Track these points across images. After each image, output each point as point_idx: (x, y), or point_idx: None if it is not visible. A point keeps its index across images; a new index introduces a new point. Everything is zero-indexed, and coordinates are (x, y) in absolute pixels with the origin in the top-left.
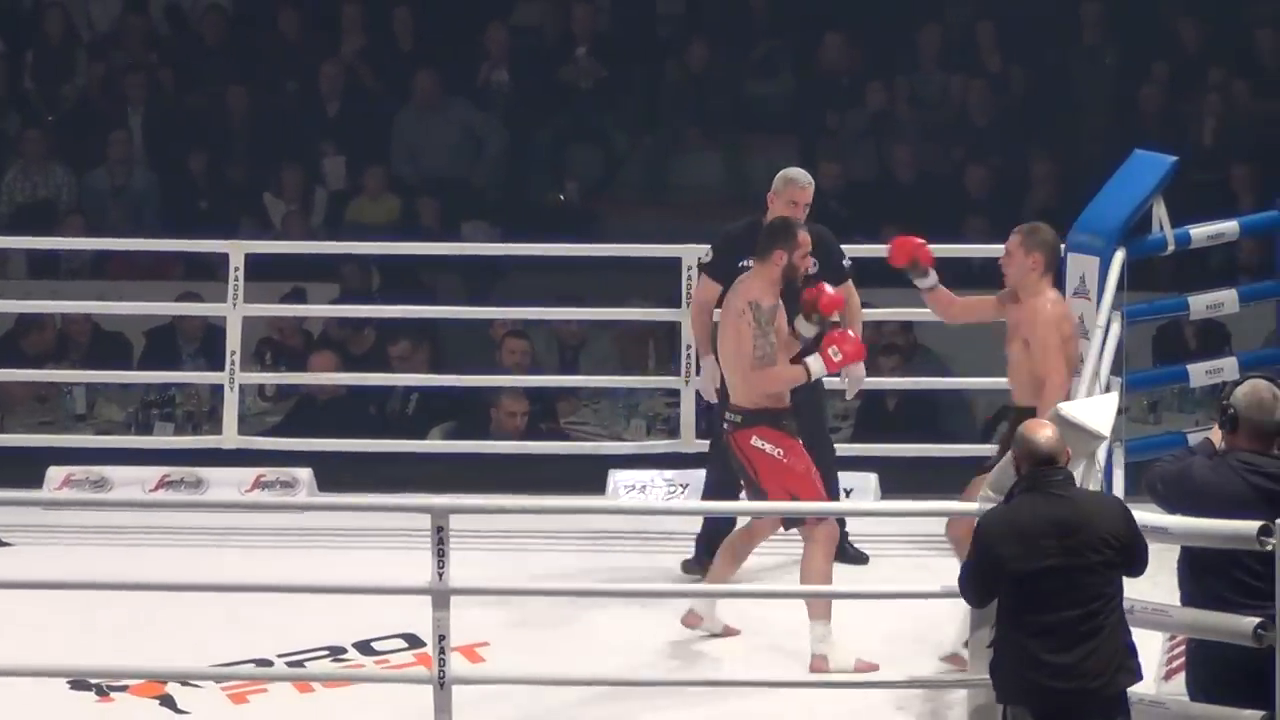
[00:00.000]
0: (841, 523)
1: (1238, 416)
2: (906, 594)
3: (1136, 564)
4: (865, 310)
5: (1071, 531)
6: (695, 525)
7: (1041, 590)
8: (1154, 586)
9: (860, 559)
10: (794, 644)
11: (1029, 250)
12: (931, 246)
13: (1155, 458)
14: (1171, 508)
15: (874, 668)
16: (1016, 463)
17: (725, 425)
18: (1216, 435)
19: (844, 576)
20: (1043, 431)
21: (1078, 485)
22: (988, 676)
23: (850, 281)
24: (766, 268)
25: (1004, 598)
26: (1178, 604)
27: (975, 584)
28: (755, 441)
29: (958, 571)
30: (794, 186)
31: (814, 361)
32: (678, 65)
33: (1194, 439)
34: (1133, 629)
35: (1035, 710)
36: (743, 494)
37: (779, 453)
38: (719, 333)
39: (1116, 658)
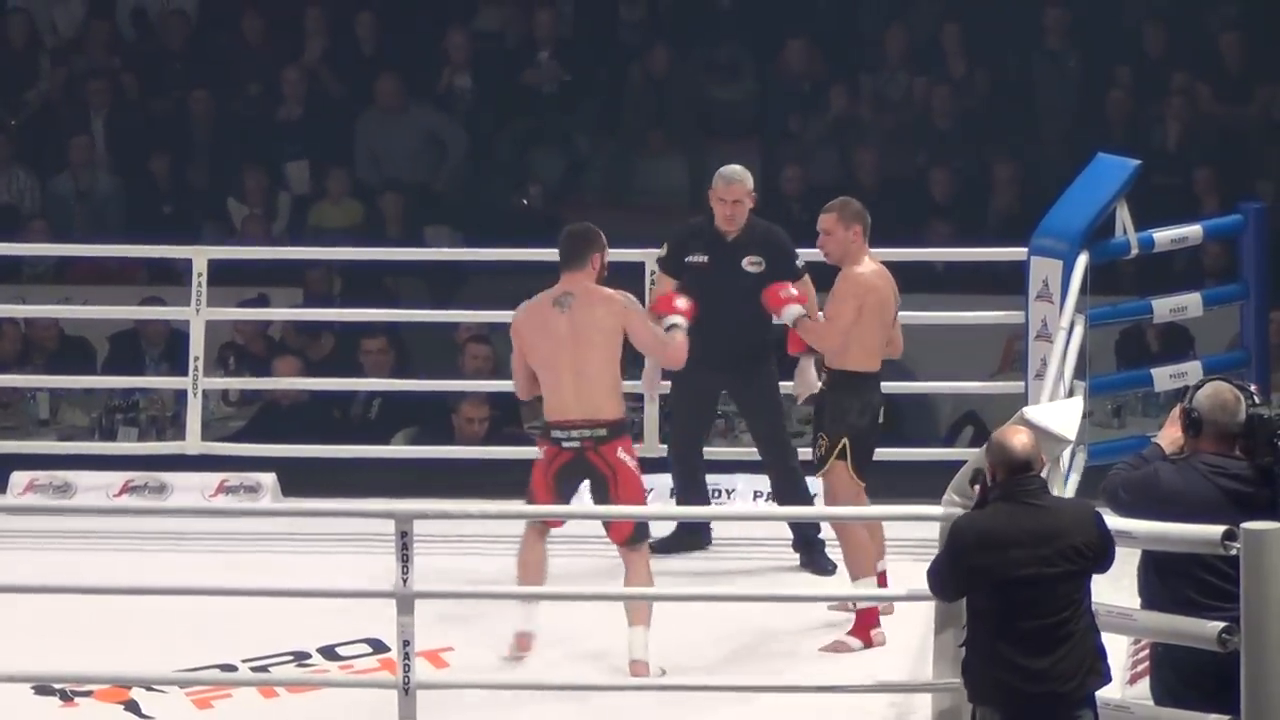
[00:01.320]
0: (817, 529)
1: (1201, 420)
2: (868, 597)
3: (1106, 564)
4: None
5: (1046, 542)
6: (658, 529)
7: (1015, 598)
8: (1118, 590)
9: (829, 569)
10: (762, 650)
11: (848, 224)
12: (895, 251)
13: (1114, 462)
14: (1136, 514)
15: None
16: (991, 469)
17: (579, 442)
18: (1165, 439)
19: (809, 582)
20: (1018, 438)
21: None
22: (953, 680)
23: (806, 276)
24: (587, 273)
25: (977, 601)
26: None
27: (947, 586)
28: (621, 454)
29: (930, 568)
30: (721, 181)
31: (675, 328)
32: (640, 69)
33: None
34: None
35: (1005, 711)
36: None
37: (636, 466)
38: (578, 348)
39: (1087, 660)
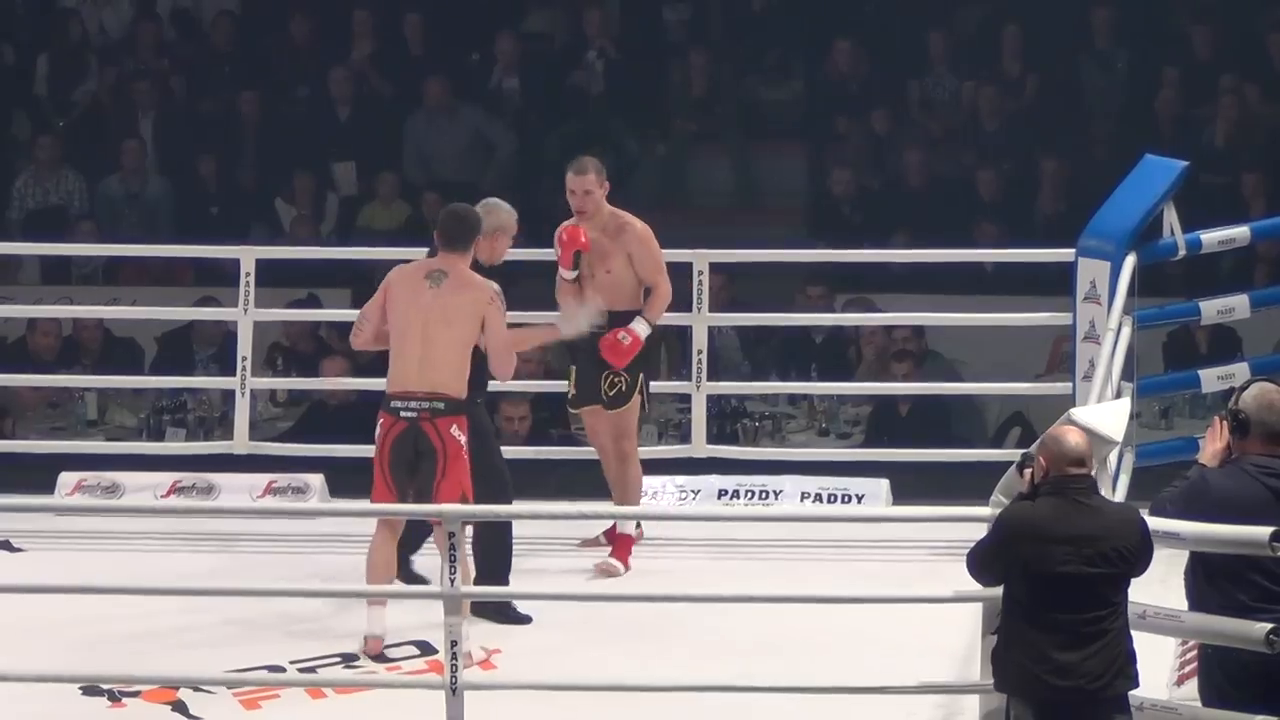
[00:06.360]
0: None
1: (1249, 420)
2: (917, 599)
3: (1141, 569)
4: (878, 315)
5: (1090, 542)
6: (707, 531)
7: (1053, 591)
8: (1167, 591)
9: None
10: (778, 648)
11: (602, 181)
12: (943, 251)
13: (1167, 463)
14: (1190, 520)
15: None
16: (1045, 465)
17: (416, 413)
18: (1208, 455)
19: (855, 581)
20: (1072, 435)
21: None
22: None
23: None
24: (465, 256)
25: (1015, 590)
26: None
27: (986, 571)
28: (454, 430)
29: (973, 565)
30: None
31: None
32: (687, 71)
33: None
34: (1146, 634)
35: (1033, 703)
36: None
37: (466, 446)
38: (435, 324)
39: (1117, 663)
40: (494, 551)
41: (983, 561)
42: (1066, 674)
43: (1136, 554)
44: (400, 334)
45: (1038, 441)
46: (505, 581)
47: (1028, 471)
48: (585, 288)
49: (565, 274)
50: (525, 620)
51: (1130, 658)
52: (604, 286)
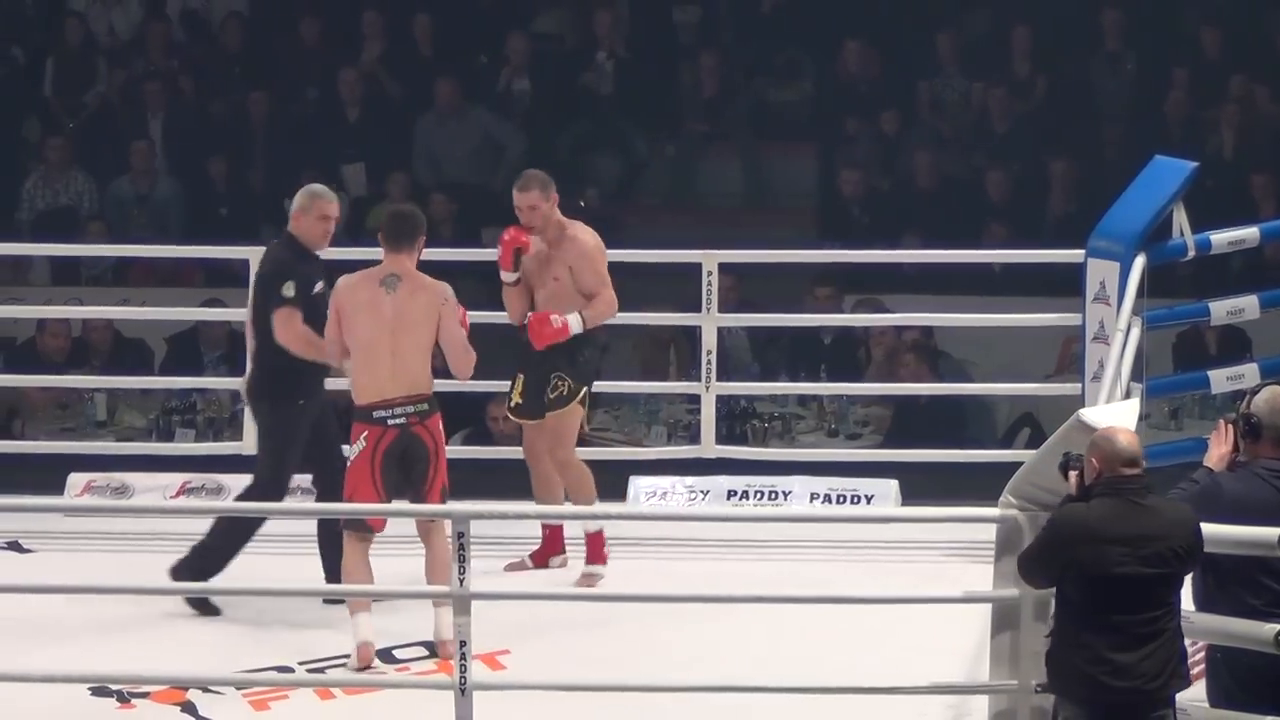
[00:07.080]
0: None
1: (1260, 424)
2: (926, 599)
3: (1191, 567)
4: (887, 316)
5: (1147, 543)
6: (716, 531)
7: (1109, 593)
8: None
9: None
10: (787, 653)
11: (547, 195)
12: (952, 253)
13: (1176, 464)
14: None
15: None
16: (1098, 465)
17: (404, 418)
18: (1214, 459)
19: (865, 582)
20: (1123, 436)
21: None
22: (1010, 681)
23: None
24: (412, 255)
25: (1070, 591)
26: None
27: (1039, 575)
28: (440, 427)
29: (990, 577)
30: (323, 200)
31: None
32: (697, 71)
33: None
34: None
35: (1088, 704)
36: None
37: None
38: (400, 330)
39: (1171, 663)
40: (220, 547)
41: (1033, 565)
42: (1123, 675)
43: (1191, 553)
44: (366, 345)
45: (1056, 433)
46: (207, 576)
47: (1073, 474)
48: (533, 291)
49: (506, 276)
50: (217, 612)
51: (1183, 657)
52: (551, 295)
